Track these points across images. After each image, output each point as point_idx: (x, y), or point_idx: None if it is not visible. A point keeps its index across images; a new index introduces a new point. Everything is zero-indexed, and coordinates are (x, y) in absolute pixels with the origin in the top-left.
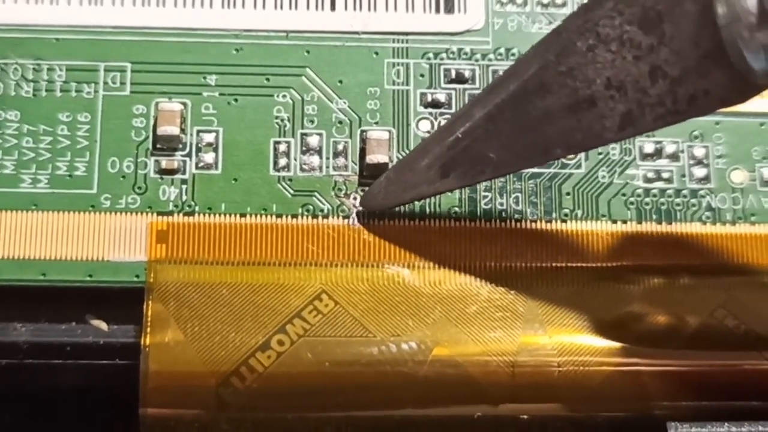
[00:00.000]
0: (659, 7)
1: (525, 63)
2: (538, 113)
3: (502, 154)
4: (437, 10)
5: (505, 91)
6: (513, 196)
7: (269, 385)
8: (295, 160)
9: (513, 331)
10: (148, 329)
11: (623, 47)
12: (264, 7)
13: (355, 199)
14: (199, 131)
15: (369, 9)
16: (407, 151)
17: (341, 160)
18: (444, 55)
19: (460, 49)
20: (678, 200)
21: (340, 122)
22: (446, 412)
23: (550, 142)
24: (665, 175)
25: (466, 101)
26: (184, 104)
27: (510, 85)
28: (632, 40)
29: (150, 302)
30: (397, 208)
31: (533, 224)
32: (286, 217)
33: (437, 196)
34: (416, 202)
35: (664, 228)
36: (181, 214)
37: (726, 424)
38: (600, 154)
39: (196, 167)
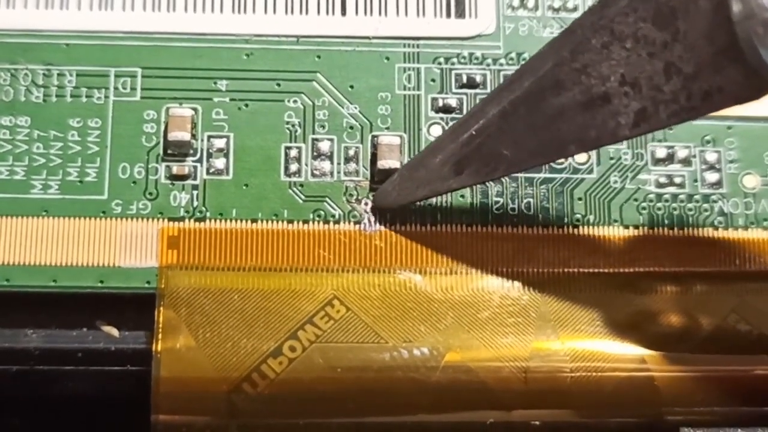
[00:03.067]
0: (673, 4)
1: (539, 60)
2: (553, 110)
3: (516, 151)
4: (448, 15)
5: (520, 88)
6: (525, 201)
7: (281, 391)
8: (306, 165)
9: (525, 336)
10: (160, 335)
11: (638, 44)
12: (275, 12)
13: (366, 204)
14: (209, 137)
15: (380, 14)
16: None
17: (352, 166)
18: (455, 59)
19: (471, 54)
20: (690, 205)
21: (351, 127)
22: (458, 418)
23: (564, 139)
24: (677, 180)
25: None
26: (195, 110)
27: (524, 82)
28: (646, 36)
29: (161, 308)
30: (408, 211)
31: (545, 230)
32: (298, 222)
33: (449, 201)
34: (428, 206)
35: (676, 233)
36: (192, 220)
37: (739, 429)
38: (612, 158)
39: (207, 173)
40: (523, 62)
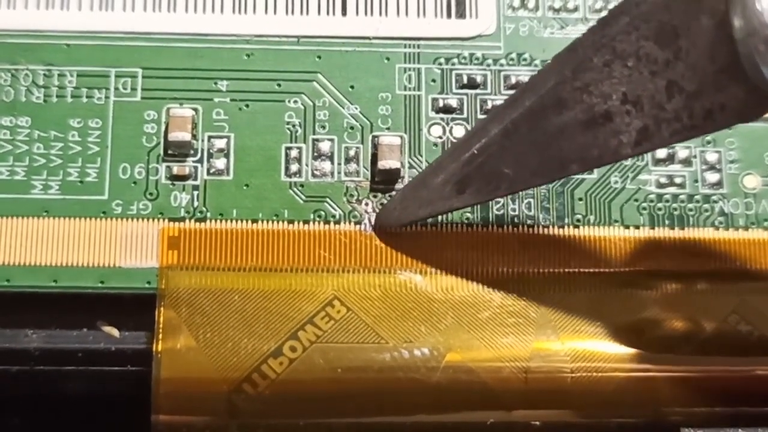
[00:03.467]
0: (675, 22)
1: (541, 78)
2: (554, 129)
3: (518, 171)
4: (449, 15)
5: (522, 107)
6: (525, 201)
7: (281, 391)
8: (307, 165)
9: (526, 337)
10: (160, 336)
11: (639, 62)
12: (275, 12)
13: (366, 204)
14: (210, 137)
15: (380, 14)
16: (419, 157)
17: (353, 166)
18: (455, 60)
19: (471, 54)
20: (691, 205)
21: (352, 128)
22: (459, 419)
23: (566, 158)
24: (678, 180)
25: (478, 106)
26: (196, 110)
27: (526, 100)
28: (648, 55)
29: (162, 308)
30: None
31: (546, 230)
32: (298, 223)
33: None
34: None
35: (676, 233)
36: (192, 220)
37: (740, 430)
38: None
39: (208, 173)
40: (523, 63)
